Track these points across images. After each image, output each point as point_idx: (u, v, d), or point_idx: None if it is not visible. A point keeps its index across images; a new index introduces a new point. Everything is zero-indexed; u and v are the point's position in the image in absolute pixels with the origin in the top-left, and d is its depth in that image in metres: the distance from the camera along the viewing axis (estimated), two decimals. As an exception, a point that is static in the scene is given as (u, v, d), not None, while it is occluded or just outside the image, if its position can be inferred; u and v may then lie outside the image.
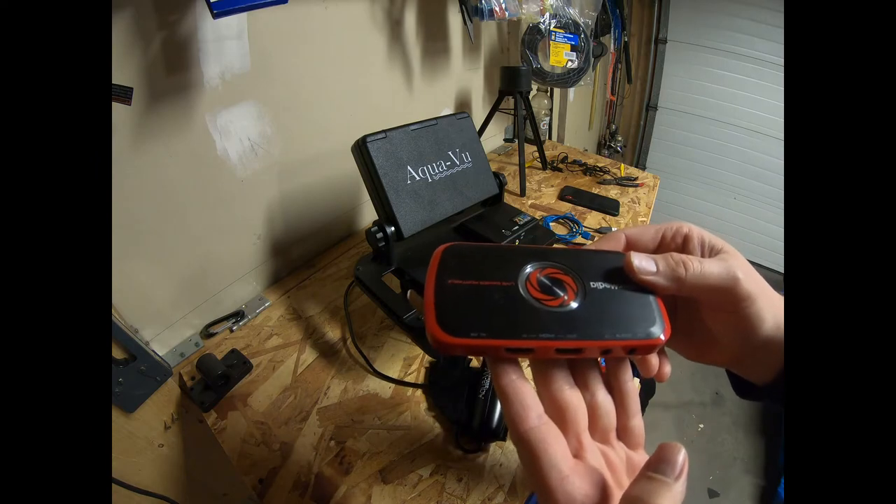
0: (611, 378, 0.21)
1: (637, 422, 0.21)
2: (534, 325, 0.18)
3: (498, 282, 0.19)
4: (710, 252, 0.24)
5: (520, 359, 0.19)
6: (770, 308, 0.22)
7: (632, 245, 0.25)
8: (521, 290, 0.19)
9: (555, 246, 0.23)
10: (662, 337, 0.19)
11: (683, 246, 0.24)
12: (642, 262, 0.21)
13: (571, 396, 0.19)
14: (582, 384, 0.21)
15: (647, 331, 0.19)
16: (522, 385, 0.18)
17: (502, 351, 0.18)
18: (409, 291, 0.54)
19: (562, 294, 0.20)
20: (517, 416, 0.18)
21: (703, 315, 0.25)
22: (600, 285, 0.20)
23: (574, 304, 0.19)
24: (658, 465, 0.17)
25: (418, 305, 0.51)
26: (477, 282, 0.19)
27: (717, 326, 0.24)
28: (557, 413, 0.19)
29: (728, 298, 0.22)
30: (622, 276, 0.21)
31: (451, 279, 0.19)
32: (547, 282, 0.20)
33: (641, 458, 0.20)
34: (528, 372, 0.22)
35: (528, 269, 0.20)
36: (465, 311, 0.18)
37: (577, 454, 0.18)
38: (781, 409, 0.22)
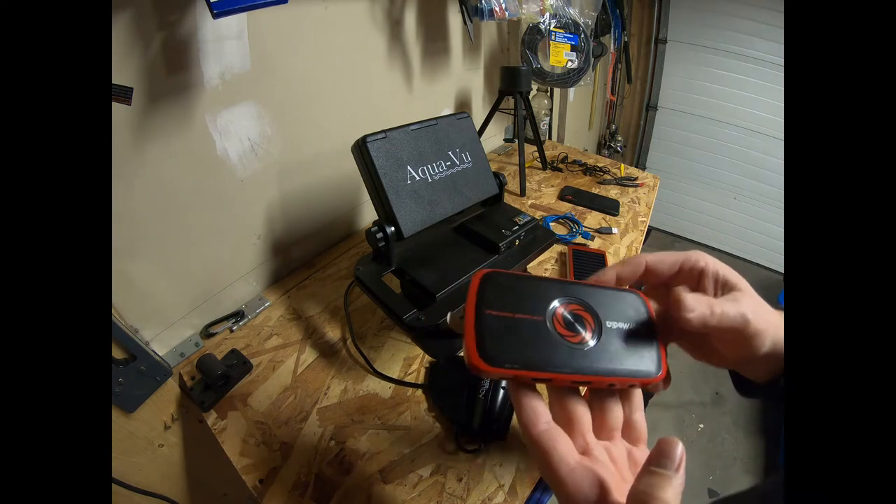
0: None
1: (639, 416, 0.23)
2: (557, 361, 0.21)
3: (529, 315, 0.22)
4: (724, 288, 0.25)
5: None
6: (771, 334, 0.24)
7: (650, 271, 0.26)
8: (548, 324, 0.22)
9: (582, 281, 0.27)
10: (660, 376, 0.23)
11: (699, 279, 0.26)
12: (691, 303, 0.23)
13: (578, 407, 0.22)
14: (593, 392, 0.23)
15: (647, 371, 0.23)
16: (534, 397, 0.21)
17: (528, 380, 0.21)
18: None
19: (581, 332, 0.22)
20: (529, 421, 0.21)
21: (711, 338, 0.26)
22: (614, 325, 0.23)
23: (591, 343, 0.22)
24: (658, 460, 0.18)
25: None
26: (511, 314, 0.22)
27: (722, 346, 0.26)
28: (566, 420, 0.22)
29: (737, 335, 0.24)
30: (633, 316, 0.24)
31: (489, 309, 0.22)
32: (570, 318, 0.23)
33: (642, 452, 0.22)
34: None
35: (555, 303, 0.23)
36: (501, 343, 0.21)
37: (585, 452, 0.21)
38: (779, 406, 0.23)
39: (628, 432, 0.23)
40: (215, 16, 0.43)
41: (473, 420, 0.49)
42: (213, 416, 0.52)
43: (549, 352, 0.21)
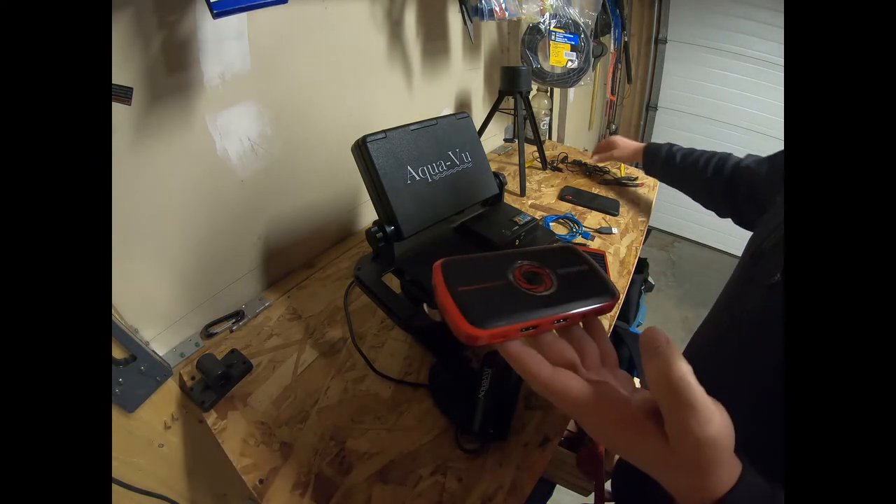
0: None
1: (608, 344, 0.27)
2: (535, 310, 0.24)
3: (496, 282, 0.25)
4: (609, 144, 1.01)
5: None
6: (628, 146, 0.97)
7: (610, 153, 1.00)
8: (515, 285, 0.25)
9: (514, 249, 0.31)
10: (617, 296, 0.27)
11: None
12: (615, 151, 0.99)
13: (566, 348, 0.25)
14: (569, 336, 0.27)
15: (607, 297, 0.26)
16: (529, 350, 0.24)
17: (517, 332, 0.23)
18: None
19: (543, 283, 0.25)
20: (534, 370, 0.23)
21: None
22: (565, 271, 0.27)
23: (554, 288, 0.25)
24: (653, 346, 0.21)
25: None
26: (481, 285, 0.24)
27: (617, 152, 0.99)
28: (561, 363, 0.24)
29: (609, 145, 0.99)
30: (577, 262, 0.28)
31: (460, 287, 0.24)
32: (530, 275, 0.26)
33: (621, 374, 0.26)
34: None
35: (513, 268, 0.26)
36: (482, 309, 0.23)
37: (587, 382, 0.23)
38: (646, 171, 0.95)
39: (605, 361, 0.26)
40: (215, 16, 0.43)
41: (473, 420, 0.49)
42: (213, 416, 0.52)
43: (526, 304, 0.24)
